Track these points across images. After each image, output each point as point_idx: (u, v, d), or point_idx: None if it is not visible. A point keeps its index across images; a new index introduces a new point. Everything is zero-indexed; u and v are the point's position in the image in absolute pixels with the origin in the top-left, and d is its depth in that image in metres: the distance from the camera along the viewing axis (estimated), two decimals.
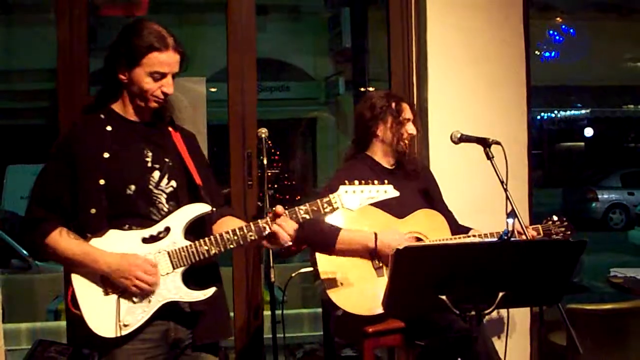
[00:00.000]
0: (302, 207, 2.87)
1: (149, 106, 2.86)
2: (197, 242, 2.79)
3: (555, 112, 21.60)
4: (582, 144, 23.71)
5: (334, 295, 3.72)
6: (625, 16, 15.82)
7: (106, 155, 2.80)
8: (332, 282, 3.73)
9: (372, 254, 3.78)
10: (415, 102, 4.87)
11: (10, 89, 15.90)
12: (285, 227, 2.82)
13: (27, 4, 14.01)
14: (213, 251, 2.79)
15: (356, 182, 2.91)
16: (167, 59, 2.81)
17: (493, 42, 4.86)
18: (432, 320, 3.65)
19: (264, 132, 4.13)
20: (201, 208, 2.84)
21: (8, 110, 16.46)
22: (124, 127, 2.89)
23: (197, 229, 2.86)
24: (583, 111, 21.77)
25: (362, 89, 13.67)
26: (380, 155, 4.02)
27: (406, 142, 3.97)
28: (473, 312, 2.73)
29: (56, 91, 4.60)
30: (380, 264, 3.79)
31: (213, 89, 5.20)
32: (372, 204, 3.56)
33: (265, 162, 4.02)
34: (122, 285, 2.73)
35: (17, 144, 15.11)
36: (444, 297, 2.67)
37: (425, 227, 3.87)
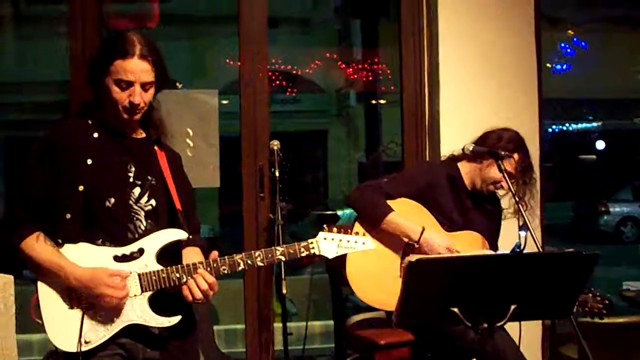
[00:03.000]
0: (279, 247, 2.84)
1: (122, 118, 2.78)
2: (169, 268, 2.74)
3: (567, 124, 21.55)
4: (594, 156, 23.59)
5: (351, 277, 3.70)
6: (637, 28, 15.78)
7: (89, 161, 2.75)
8: (354, 264, 3.70)
9: (410, 247, 3.72)
10: (427, 115, 4.89)
11: (21, 100, 15.95)
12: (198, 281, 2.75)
13: (37, 17, 14.09)
14: (184, 279, 2.73)
15: (335, 229, 2.89)
16: (131, 67, 2.71)
17: (504, 54, 4.87)
18: (442, 332, 3.64)
19: (276, 144, 4.14)
20: (178, 234, 2.80)
21: (18, 123, 16.49)
22: (110, 137, 2.84)
23: (170, 254, 2.81)
24: (595, 124, 21.71)
25: (373, 101, 13.68)
26: (468, 176, 3.97)
27: (490, 187, 3.88)
28: (485, 325, 2.73)
29: (69, 103, 4.63)
30: None
31: (225, 101, 5.20)
32: (429, 209, 3.75)
33: (277, 174, 4.03)
34: (90, 300, 2.68)
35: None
36: (455, 309, 2.66)
37: (465, 246, 3.82)
